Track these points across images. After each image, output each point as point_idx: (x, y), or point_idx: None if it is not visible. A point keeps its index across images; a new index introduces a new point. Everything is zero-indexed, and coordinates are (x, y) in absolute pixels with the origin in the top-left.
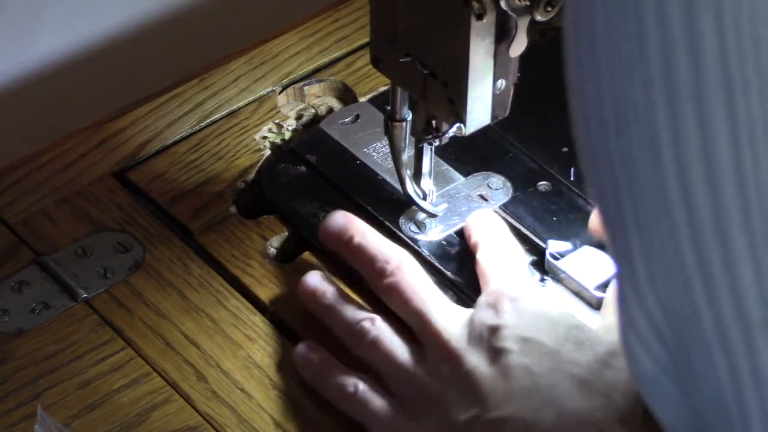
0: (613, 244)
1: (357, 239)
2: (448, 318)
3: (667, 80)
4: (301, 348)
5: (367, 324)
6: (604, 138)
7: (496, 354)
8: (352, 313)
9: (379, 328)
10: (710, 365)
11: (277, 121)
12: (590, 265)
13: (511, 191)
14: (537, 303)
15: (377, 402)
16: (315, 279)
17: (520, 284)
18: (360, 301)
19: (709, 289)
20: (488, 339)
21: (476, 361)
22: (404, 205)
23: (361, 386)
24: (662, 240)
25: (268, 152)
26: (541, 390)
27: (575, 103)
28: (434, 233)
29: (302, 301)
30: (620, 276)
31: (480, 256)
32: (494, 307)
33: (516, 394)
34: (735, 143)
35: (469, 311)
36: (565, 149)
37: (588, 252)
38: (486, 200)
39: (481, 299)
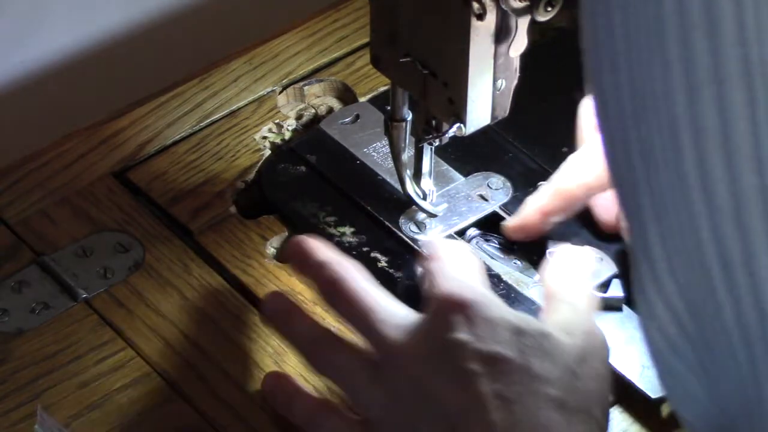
0: (630, 232)
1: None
2: (400, 329)
3: (685, 65)
4: (267, 380)
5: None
6: (622, 126)
7: (462, 377)
8: (309, 330)
9: (334, 347)
10: (732, 358)
11: (277, 121)
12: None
13: (511, 191)
14: (491, 309)
15: (342, 428)
16: (276, 298)
17: (469, 289)
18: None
19: (729, 279)
20: (449, 358)
21: (442, 385)
22: (404, 205)
23: (326, 414)
24: (681, 229)
25: (268, 152)
26: (523, 422)
27: (593, 91)
28: (434, 233)
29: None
30: (638, 267)
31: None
32: (446, 317)
33: (497, 427)
34: (755, 129)
35: (418, 318)
36: (565, 149)
37: (588, 252)
38: (486, 200)
39: (430, 308)
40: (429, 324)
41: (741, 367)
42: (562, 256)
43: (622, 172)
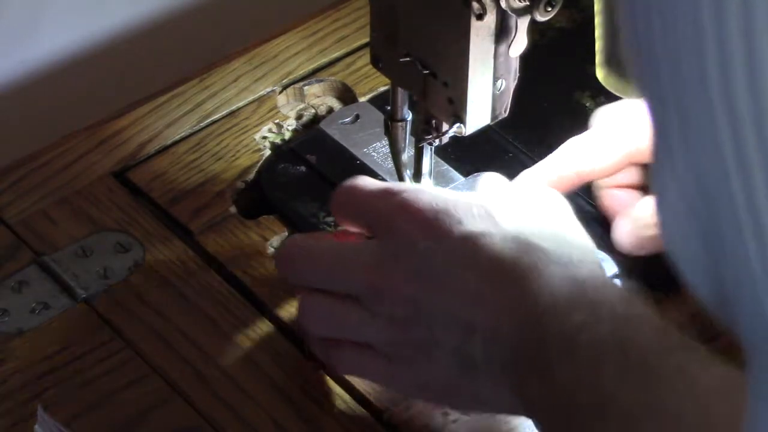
0: (653, 127)
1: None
2: (364, 262)
3: None
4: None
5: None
6: (649, 40)
7: (444, 274)
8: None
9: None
10: (741, 243)
11: (277, 121)
12: None
13: None
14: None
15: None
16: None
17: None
18: None
19: (743, 169)
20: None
21: (430, 290)
22: None
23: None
24: (702, 129)
25: (268, 152)
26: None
27: (623, 9)
28: None
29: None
30: (657, 153)
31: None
32: (392, 228)
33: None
34: None
35: (371, 244)
36: None
37: None
38: None
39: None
40: (383, 242)
41: (751, 261)
42: None
43: (647, 77)
